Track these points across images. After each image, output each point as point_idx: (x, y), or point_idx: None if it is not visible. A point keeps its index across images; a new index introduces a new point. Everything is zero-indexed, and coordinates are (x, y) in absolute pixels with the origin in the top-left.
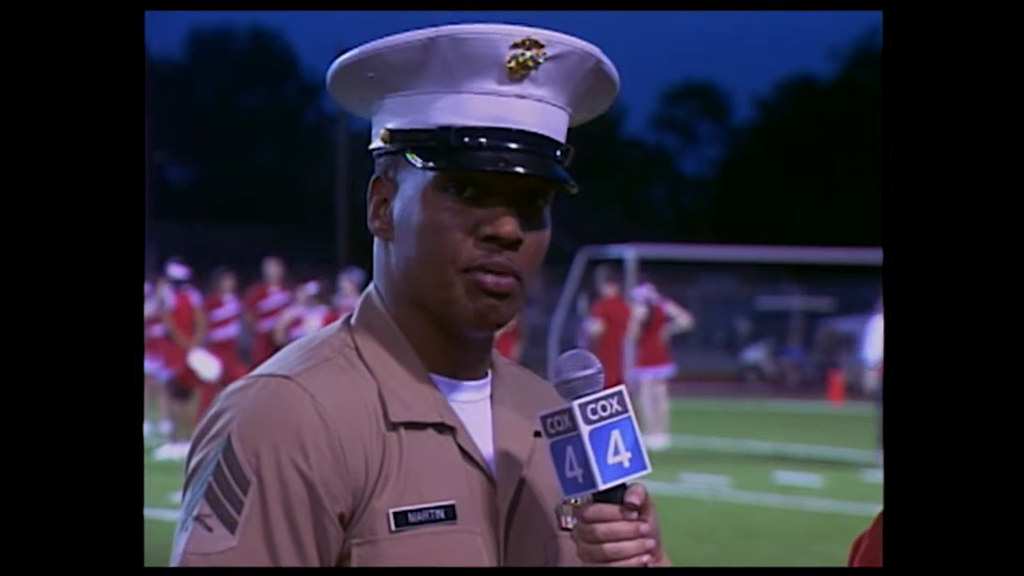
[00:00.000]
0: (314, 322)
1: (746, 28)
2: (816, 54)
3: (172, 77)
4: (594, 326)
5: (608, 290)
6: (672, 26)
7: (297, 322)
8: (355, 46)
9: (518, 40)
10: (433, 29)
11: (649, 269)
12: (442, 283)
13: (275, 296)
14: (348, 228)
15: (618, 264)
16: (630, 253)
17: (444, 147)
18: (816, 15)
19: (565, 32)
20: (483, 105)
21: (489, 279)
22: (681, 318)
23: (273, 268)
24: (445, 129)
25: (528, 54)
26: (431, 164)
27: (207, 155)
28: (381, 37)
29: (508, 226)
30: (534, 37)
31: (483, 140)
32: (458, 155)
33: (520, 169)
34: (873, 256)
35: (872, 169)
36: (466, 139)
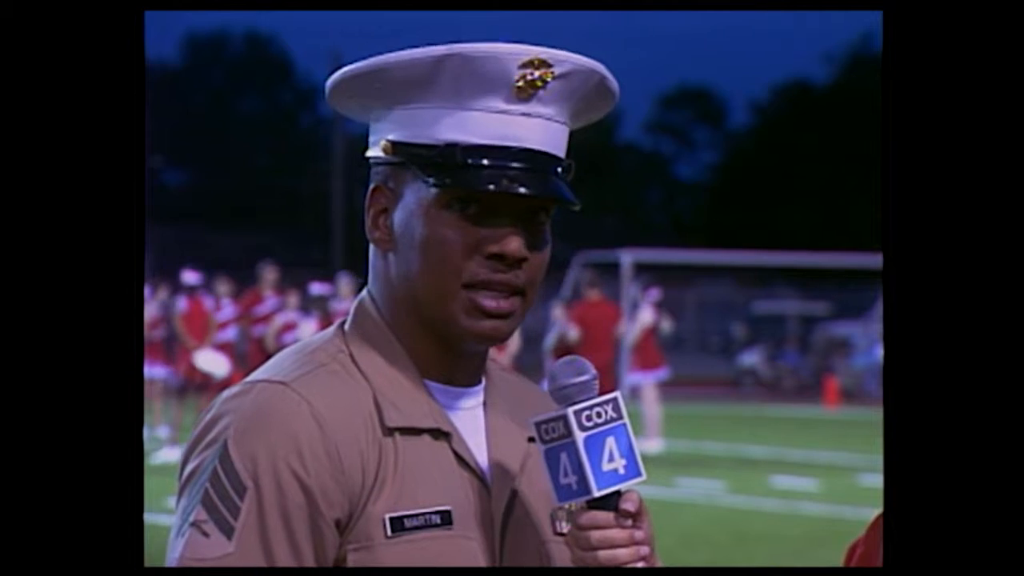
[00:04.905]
0: (309, 327)
1: (742, 33)
2: (812, 58)
3: (168, 81)
4: (572, 332)
5: (591, 293)
6: (668, 30)
7: (288, 327)
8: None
9: (527, 60)
10: (444, 47)
11: (645, 274)
12: (444, 297)
13: (269, 301)
14: (344, 232)
15: (614, 269)
16: (626, 258)
17: (450, 164)
18: (812, 20)
19: (561, 38)
20: (490, 123)
21: (489, 302)
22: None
23: (268, 273)
24: (451, 146)
25: (537, 74)
26: (437, 181)
27: (203, 159)
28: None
29: (514, 244)
30: (542, 56)
31: (489, 159)
32: (464, 173)
33: (524, 190)
34: (869, 261)
35: (868, 174)
36: (472, 157)
